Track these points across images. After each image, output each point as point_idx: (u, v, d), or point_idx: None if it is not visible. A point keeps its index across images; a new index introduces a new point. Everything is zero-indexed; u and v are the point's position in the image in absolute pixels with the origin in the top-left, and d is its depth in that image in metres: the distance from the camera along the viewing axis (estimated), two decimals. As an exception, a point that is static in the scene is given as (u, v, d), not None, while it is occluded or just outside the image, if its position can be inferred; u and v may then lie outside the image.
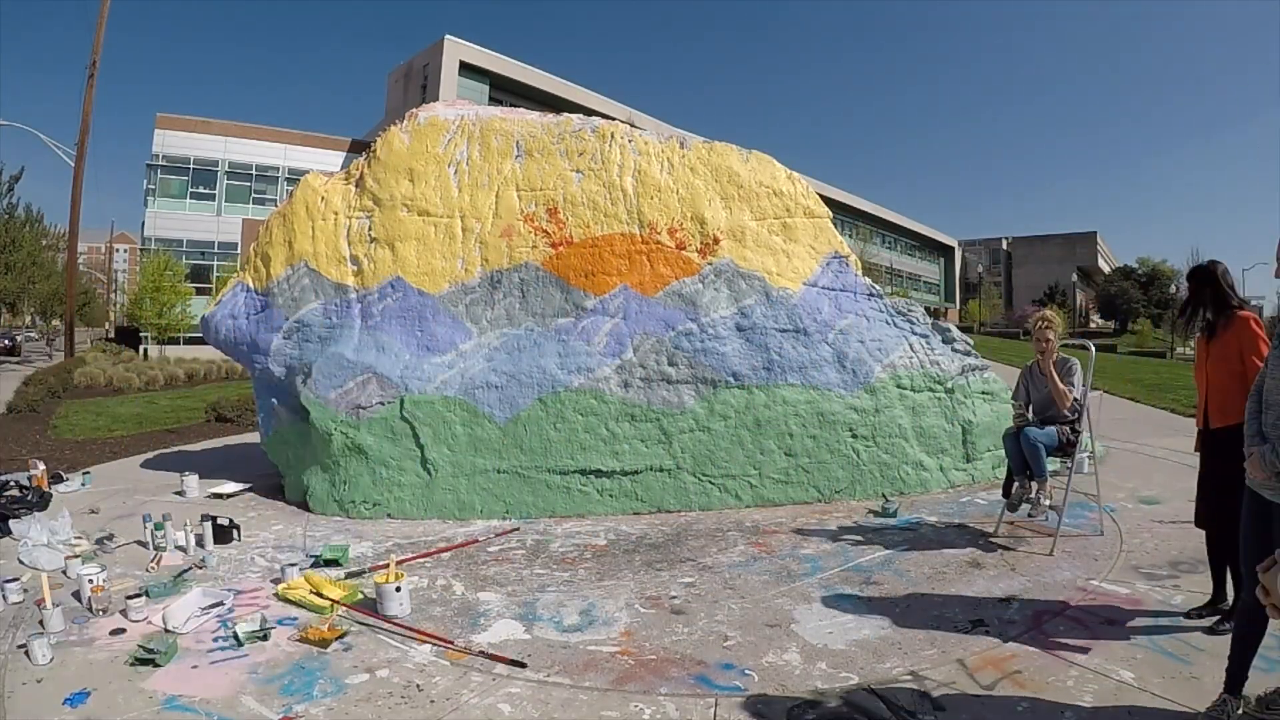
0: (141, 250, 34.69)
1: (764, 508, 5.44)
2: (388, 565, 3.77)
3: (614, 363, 5.49)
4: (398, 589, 3.52)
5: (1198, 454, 3.36)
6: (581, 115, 6.44)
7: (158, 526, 4.53)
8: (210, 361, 19.30)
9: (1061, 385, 4.41)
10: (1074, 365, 4.48)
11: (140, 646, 3.08)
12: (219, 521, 4.69)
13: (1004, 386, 6.22)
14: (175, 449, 8.41)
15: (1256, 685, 2.57)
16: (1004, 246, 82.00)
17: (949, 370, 5.97)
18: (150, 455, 7.95)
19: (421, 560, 4.37)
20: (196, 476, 6.08)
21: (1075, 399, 4.45)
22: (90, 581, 3.60)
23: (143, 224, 34.03)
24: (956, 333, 6.33)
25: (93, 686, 2.83)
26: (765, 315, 5.67)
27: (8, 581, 3.75)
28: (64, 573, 4.07)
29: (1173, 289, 57.29)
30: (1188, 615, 3.24)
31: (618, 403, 5.42)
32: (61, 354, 23.14)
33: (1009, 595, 3.62)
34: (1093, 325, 71.06)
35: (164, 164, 32.98)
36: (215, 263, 33.61)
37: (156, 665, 2.99)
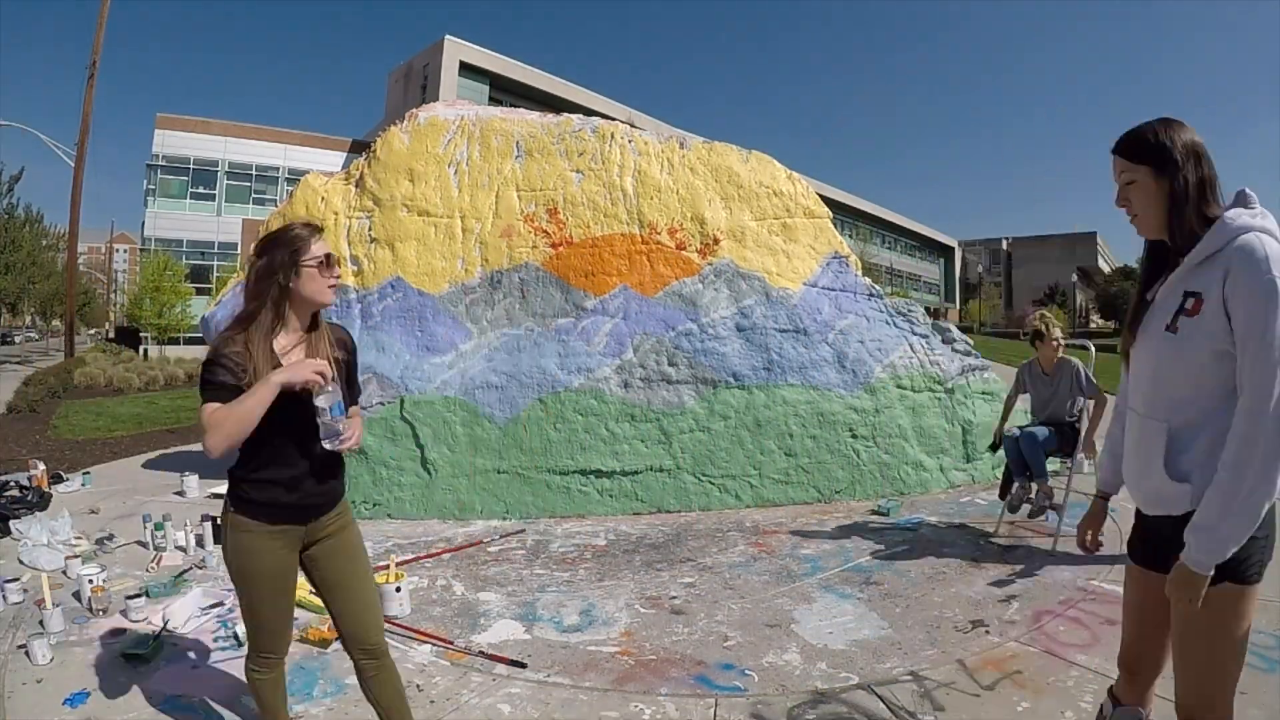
0: (141, 250, 34.71)
1: (764, 508, 5.44)
2: (388, 565, 3.77)
3: (614, 363, 5.49)
4: (398, 589, 3.52)
5: None
6: (581, 115, 6.44)
7: (158, 526, 4.53)
8: (210, 361, 19.28)
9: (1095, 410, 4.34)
10: (1086, 376, 4.44)
11: (123, 654, 3.08)
12: (219, 522, 4.68)
13: (1004, 387, 6.22)
14: (175, 449, 8.41)
15: (1258, 683, 2.58)
16: (1004, 247, 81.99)
17: (949, 370, 5.97)
18: (150, 455, 7.96)
19: (421, 560, 4.37)
20: (196, 476, 6.08)
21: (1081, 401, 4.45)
22: (90, 581, 3.60)
23: (143, 224, 34.07)
24: (956, 333, 6.33)
25: (93, 686, 2.84)
26: (765, 315, 5.67)
27: (8, 581, 3.75)
28: (64, 573, 4.07)
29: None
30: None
31: (618, 403, 5.42)
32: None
33: (1009, 595, 3.62)
34: (1093, 325, 71.06)
35: (164, 164, 33.01)
36: (215, 263, 33.64)
37: (146, 660, 2.99)
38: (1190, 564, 1.52)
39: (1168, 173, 1.58)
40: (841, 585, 3.84)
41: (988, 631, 3.21)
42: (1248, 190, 1.56)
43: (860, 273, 6.16)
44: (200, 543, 4.54)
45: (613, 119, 6.60)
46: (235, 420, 1.79)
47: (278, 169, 34.85)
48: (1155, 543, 1.69)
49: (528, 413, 5.38)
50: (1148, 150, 1.60)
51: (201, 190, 33.91)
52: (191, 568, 4.19)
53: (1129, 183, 1.64)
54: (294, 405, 1.87)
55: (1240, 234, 1.49)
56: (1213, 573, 1.50)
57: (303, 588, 3.73)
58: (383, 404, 5.40)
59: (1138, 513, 1.78)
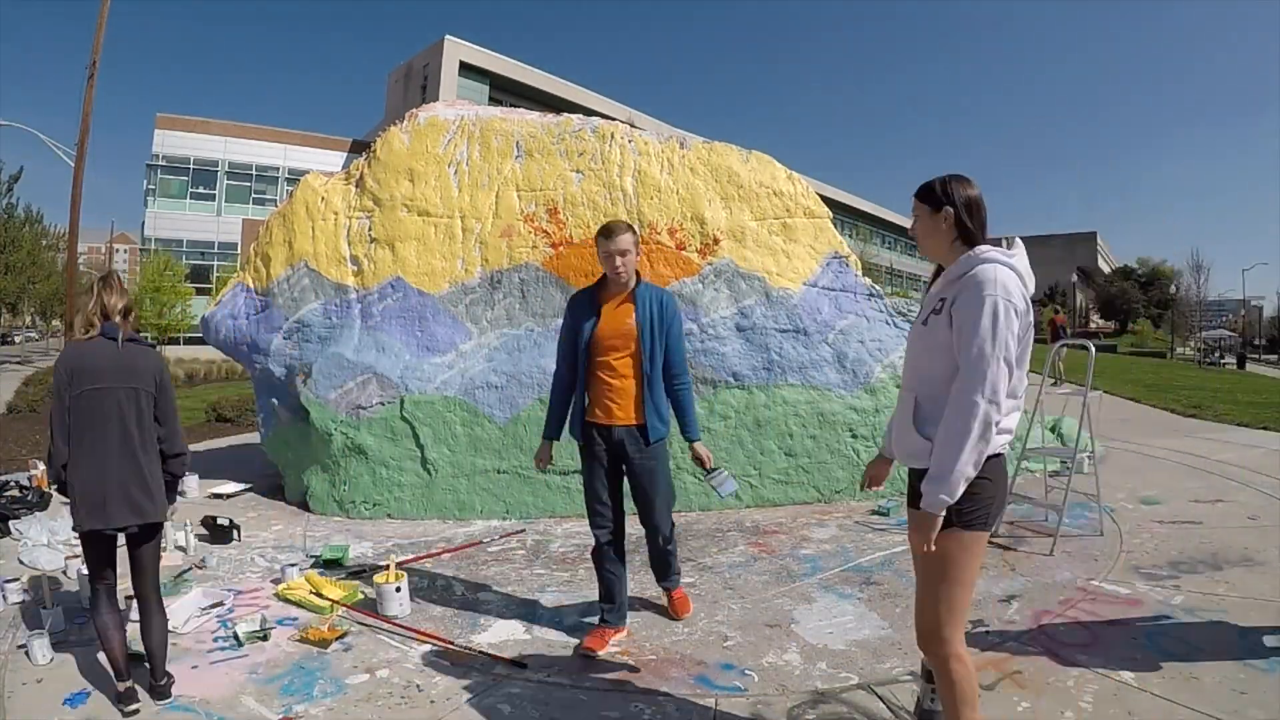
0: (141, 250, 34.71)
1: (764, 508, 5.44)
2: (388, 565, 3.77)
3: (614, 363, 5.48)
4: (398, 589, 3.52)
5: None
6: (581, 115, 6.44)
7: (158, 526, 4.53)
8: (210, 361, 19.33)
9: None
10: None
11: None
12: (219, 521, 4.69)
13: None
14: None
15: (1258, 683, 2.58)
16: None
17: (949, 370, 5.97)
18: (150, 455, 7.94)
19: (421, 560, 4.37)
20: (196, 476, 6.08)
21: None
22: (90, 581, 3.59)
23: (143, 224, 34.07)
24: (956, 333, 6.33)
25: (93, 686, 2.84)
26: (765, 315, 5.67)
27: (8, 581, 3.75)
28: (64, 573, 4.07)
29: (1173, 289, 57.24)
30: None
31: (618, 403, 5.41)
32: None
33: (1009, 595, 3.62)
34: (1093, 325, 71.03)
35: (164, 164, 33.02)
36: (215, 263, 33.65)
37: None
38: (923, 506, 1.89)
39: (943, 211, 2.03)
40: (841, 585, 3.84)
41: (988, 631, 3.20)
42: (1016, 239, 2.02)
43: (860, 273, 6.15)
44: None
45: (613, 119, 6.60)
46: None
47: (278, 169, 34.85)
48: (915, 491, 2.02)
49: (528, 413, 5.38)
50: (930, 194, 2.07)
51: (201, 190, 33.92)
52: (191, 568, 4.19)
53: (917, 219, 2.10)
54: None
55: (981, 263, 1.90)
56: (942, 515, 1.87)
57: (302, 588, 3.74)
58: (383, 404, 5.40)
59: (910, 471, 2.10)
